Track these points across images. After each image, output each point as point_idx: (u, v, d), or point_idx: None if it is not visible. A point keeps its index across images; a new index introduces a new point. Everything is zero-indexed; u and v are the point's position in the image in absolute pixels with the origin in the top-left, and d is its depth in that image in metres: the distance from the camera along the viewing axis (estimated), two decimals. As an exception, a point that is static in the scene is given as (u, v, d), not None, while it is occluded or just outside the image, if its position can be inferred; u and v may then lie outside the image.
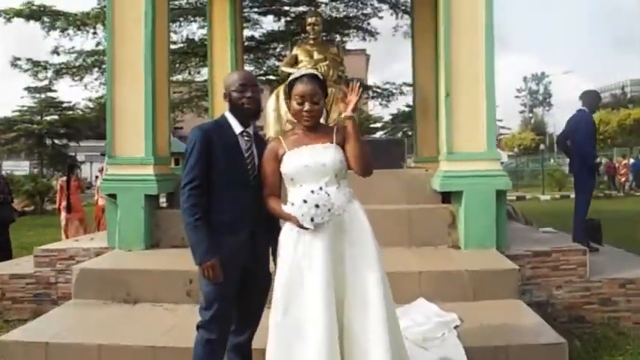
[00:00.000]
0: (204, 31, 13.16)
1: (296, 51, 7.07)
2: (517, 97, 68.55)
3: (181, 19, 13.49)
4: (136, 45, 4.92)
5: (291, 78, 2.61)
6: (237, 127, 2.64)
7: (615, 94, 60.78)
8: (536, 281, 4.45)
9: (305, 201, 2.36)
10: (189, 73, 15.32)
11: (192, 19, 13.47)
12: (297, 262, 2.41)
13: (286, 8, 13.93)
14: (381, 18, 13.49)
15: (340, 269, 2.42)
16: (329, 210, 2.36)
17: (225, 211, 2.56)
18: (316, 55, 6.85)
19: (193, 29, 14.28)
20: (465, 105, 4.75)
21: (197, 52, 13.66)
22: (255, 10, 13.41)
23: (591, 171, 5.89)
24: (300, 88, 2.52)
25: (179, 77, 15.45)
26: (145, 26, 4.94)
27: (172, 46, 13.63)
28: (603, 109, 32.42)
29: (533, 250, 4.66)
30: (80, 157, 34.60)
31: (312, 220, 2.34)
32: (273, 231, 2.63)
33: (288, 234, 2.49)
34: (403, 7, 13.21)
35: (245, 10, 12.83)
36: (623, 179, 24.31)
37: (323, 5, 13.27)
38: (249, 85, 2.63)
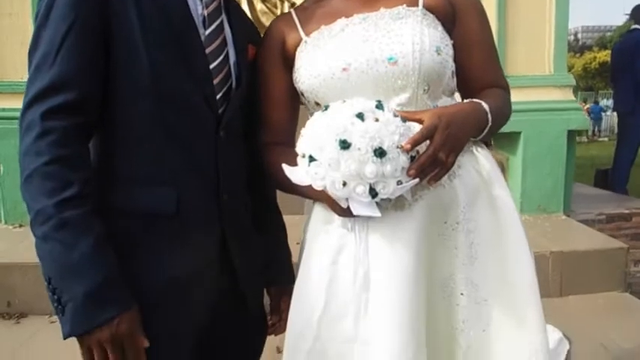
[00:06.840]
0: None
1: None
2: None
3: None
4: None
5: None
6: None
7: (568, 41, 61.02)
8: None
9: (339, 142, 0.82)
10: None
11: None
12: (344, 297, 0.96)
13: None
14: None
15: (444, 307, 0.99)
16: (402, 169, 0.84)
17: (156, 184, 0.92)
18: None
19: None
20: (525, 5, 3.26)
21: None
22: None
23: None
24: None
25: None
26: None
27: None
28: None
29: (606, 214, 3.43)
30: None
31: (363, 192, 0.84)
32: (279, 225, 1.20)
33: (319, 231, 1.02)
34: None
35: None
36: (585, 125, 23.98)
37: None
38: None
